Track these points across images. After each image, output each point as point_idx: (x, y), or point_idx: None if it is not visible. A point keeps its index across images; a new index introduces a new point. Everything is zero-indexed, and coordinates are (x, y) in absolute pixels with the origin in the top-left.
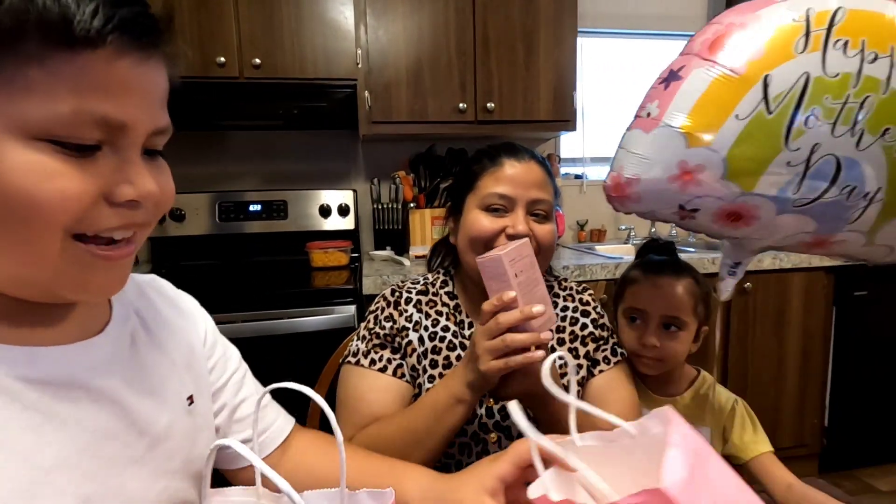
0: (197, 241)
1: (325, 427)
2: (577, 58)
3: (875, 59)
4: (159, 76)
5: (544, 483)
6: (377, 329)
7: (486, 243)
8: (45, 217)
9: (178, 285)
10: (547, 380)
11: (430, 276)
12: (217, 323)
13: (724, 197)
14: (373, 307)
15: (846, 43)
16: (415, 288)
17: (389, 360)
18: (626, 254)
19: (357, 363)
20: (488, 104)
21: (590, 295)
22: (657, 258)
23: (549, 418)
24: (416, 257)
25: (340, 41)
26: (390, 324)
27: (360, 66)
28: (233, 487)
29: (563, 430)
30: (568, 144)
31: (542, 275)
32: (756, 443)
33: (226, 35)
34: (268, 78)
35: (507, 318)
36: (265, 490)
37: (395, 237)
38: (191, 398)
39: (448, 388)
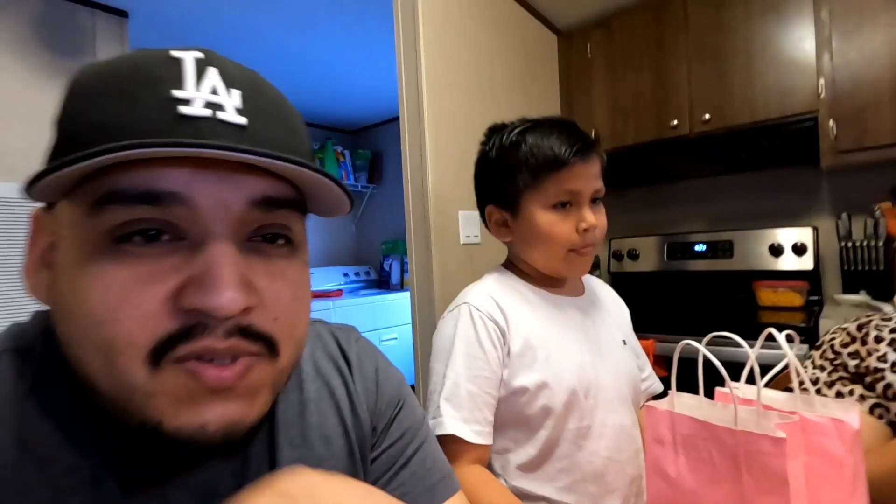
0: (647, 276)
1: None
2: None
3: None
4: None
5: None
6: (843, 360)
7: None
8: None
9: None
10: None
11: None
12: (661, 341)
13: None
14: (827, 337)
15: None
16: (886, 326)
17: (862, 397)
18: None
19: (818, 392)
20: None
21: None
22: None
23: None
24: None
25: (797, 76)
26: (856, 361)
27: (821, 96)
28: None
29: None
30: None
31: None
32: None
33: (679, 100)
34: (716, 129)
35: None
36: None
37: (872, 279)
38: None
39: None
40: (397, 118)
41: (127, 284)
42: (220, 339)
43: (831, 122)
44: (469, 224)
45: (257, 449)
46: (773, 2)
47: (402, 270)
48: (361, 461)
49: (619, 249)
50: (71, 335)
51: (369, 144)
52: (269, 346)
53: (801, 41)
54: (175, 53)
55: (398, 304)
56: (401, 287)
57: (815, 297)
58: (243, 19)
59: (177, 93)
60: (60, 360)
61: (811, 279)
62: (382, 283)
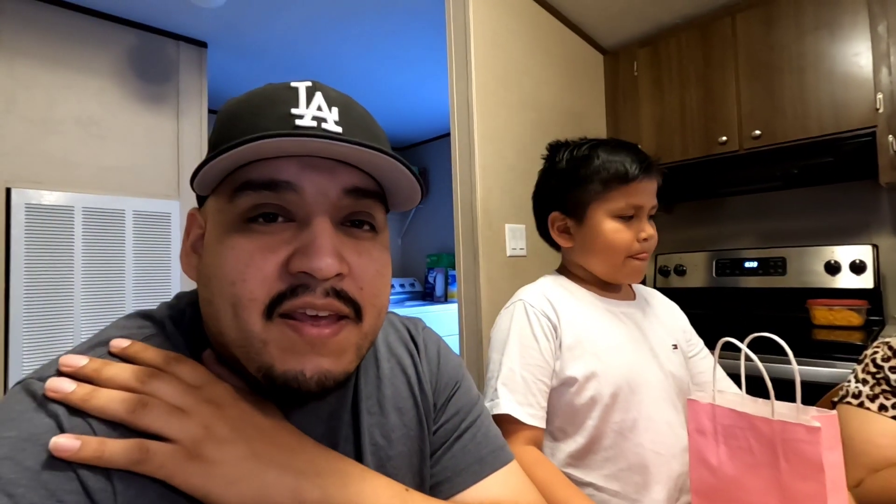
0: (695, 292)
1: None
2: None
3: None
4: None
5: None
6: (885, 374)
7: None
8: None
9: None
10: None
11: None
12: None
13: None
14: (869, 351)
15: None
16: None
17: None
18: None
19: (860, 405)
20: None
21: None
22: None
23: None
24: None
25: (852, 91)
26: None
27: (880, 110)
28: None
29: None
30: None
31: None
32: None
33: (727, 117)
34: (767, 146)
35: None
36: None
37: None
38: None
39: None
40: (443, 136)
41: (252, 253)
42: (318, 297)
43: (890, 138)
44: (515, 237)
45: (344, 416)
46: (825, 17)
47: (447, 283)
48: (427, 431)
49: (666, 265)
50: (211, 296)
51: (416, 161)
52: (355, 310)
53: (856, 56)
54: (293, 84)
55: (442, 315)
56: (444, 299)
57: (876, 318)
58: (307, 45)
59: (293, 110)
60: (200, 325)
61: (872, 298)
62: (427, 295)
